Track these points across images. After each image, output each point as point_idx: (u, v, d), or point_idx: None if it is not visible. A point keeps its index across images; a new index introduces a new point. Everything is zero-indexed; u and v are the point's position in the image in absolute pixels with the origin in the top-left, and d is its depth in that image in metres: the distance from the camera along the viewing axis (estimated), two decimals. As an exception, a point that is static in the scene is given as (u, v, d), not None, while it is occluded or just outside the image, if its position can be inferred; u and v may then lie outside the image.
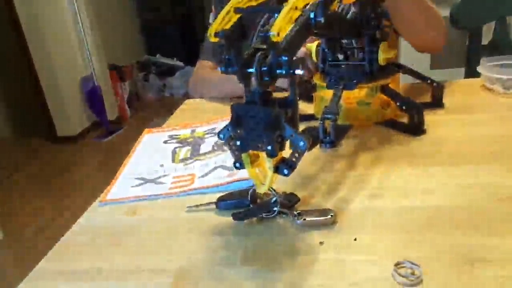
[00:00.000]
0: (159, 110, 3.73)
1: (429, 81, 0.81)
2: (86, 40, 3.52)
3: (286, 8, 0.44)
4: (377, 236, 0.46)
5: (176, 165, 0.69)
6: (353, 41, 0.73)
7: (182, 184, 0.62)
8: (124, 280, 0.45)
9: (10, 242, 2.24)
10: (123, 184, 0.65)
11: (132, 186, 0.64)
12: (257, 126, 0.42)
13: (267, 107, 0.42)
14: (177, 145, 0.77)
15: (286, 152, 0.45)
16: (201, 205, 0.55)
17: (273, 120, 0.42)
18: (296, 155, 0.44)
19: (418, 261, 0.40)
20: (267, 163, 0.44)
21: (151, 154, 0.75)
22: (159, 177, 0.66)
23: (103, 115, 3.62)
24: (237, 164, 0.47)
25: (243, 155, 0.45)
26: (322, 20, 0.48)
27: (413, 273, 0.39)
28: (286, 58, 0.41)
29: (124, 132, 3.61)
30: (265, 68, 0.41)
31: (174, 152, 0.74)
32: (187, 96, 1.15)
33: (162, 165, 0.69)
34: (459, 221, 0.47)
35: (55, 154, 3.32)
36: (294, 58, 0.43)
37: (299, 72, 0.42)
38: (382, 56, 0.70)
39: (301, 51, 0.84)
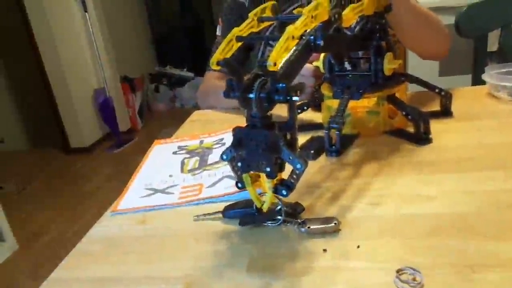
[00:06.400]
0: (170, 120, 3.76)
1: (436, 90, 0.81)
2: (98, 53, 3.59)
3: (283, 38, 0.45)
4: (380, 243, 0.47)
5: (185, 176, 0.70)
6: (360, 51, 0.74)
7: (190, 194, 0.63)
8: (134, 287, 0.46)
9: (23, 252, 2.27)
10: (133, 195, 0.67)
11: (142, 197, 0.66)
12: (257, 148, 0.44)
13: (266, 131, 0.44)
14: (185, 155, 0.79)
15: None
16: (208, 214, 0.56)
17: (272, 143, 0.44)
18: (295, 176, 0.46)
19: (420, 268, 0.41)
20: (267, 184, 0.46)
21: (160, 165, 0.76)
22: (168, 188, 0.67)
23: (115, 127, 3.67)
24: (239, 184, 0.49)
25: (244, 176, 0.47)
26: (321, 43, 0.50)
27: (414, 279, 0.40)
28: (284, 85, 0.42)
29: (135, 143, 3.65)
30: (263, 95, 0.43)
31: (183, 163, 0.75)
32: (197, 106, 1.16)
33: (171, 176, 0.71)
34: (461, 228, 0.47)
35: (68, 165, 3.37)
36: (293, 83, 0.45)
37: (296, 98, 0.43)
38: (387, 67, 0.71)
39: (309, 68, 0.86)
